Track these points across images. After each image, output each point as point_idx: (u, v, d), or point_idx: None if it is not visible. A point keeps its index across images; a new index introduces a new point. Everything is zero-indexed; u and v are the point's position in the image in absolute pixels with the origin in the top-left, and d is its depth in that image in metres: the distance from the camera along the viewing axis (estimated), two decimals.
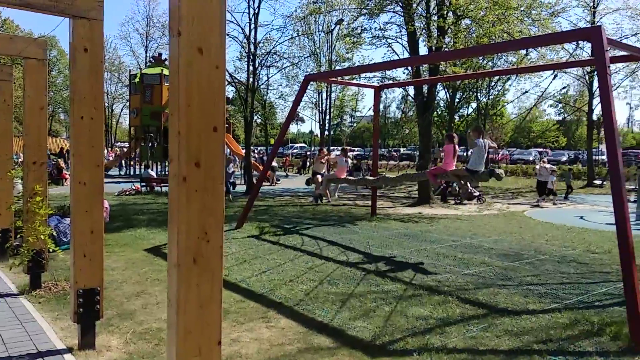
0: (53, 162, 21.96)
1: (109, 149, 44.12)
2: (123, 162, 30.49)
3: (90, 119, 4.21)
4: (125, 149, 34.72)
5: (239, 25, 19.28)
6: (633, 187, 17.53)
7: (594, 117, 27.13)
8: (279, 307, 5.42)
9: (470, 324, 5.00)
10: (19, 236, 6.58)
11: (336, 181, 11.62)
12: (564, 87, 32.80)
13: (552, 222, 12.52)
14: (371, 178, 10.99)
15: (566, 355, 4.28)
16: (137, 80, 27.05)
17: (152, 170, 24.38)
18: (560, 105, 45.77)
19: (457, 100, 27.63)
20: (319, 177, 12.08)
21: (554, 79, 8.43)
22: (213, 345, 2.69)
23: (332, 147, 38.16)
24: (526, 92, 19.49)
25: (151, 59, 33.79)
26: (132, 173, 27.88)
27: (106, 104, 46.48)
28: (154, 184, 18.45)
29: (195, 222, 2.57)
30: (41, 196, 5.91)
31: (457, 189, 17.73)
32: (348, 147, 13.88)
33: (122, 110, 49.37)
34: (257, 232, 10.14)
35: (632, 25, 27.51)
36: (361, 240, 9.51)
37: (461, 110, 32.85)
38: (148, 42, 45.28)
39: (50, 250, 6.06)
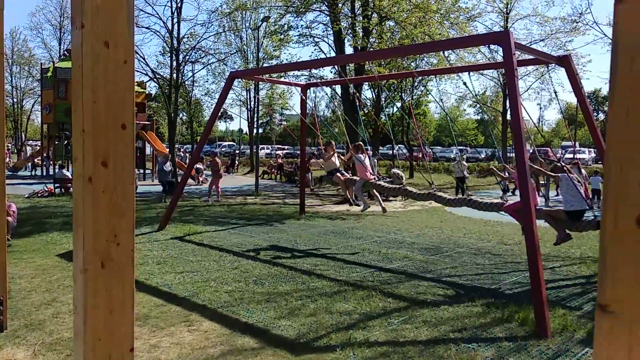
0: None
1: (19, 148, 41.03)
2: (36, 162, 28.45)
3: None
4: (37, 148, 32.44)
5: (160, 19, 18.58)
6: (542, 182, 18.87)
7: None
8: (202, 310, 5.29)
9: (391, 317, 5.14)
10: None
11: (367, 186, 9.11)
12: (470, 91, 34.67)
13: (470, 216, 13.19)
14: (416, 191, 8.50)
15: (479, 342, 4.52)
16: (49, 74, 25.33)
17: (67, 170, 22.94)
18: (478, 105, 48.37)
19: (383, 99, 28.41)
20: (340, 175, 9.39)
21: (466, 81, 8.79)
22: (125, 351, 2.56)
23: (261, 145, 37.84)
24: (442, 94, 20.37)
25: (65, 52, 31.72)
26: (44, 174, 26.08)
27: (15, 100, 43.08)
28: (69, 185, 17.36)
29: (103, 225, 2.43)
30: None
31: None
32: (361, 144, 9.64)
33: (33, 106, 45.98)
34: (181, 233, 9.84)
35: (541, 30, 29.62)
36: (289, 239, 9.51)
37: (387, 110, 33.83)
38: (62, 34, 42.48)
39: None
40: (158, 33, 19.64)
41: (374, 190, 9.48)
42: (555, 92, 42.24)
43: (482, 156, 42.60)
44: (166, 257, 7.77)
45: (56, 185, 17.32)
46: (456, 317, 5.17)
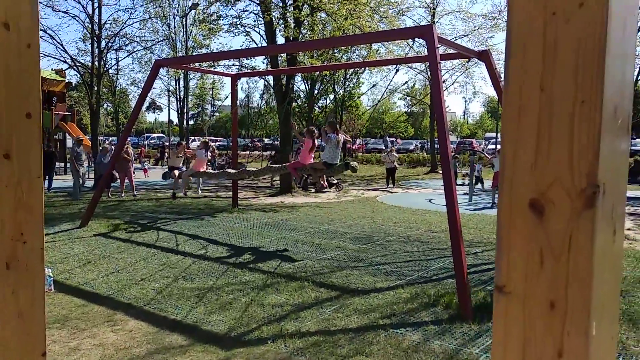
0: None
1: None
2: None
3: None
4: None
5: (79, 3, 17.50)
6: (467, 172, 19.81)
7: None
8: (127, 309, 5.08)
9: (323, 307, 5.19)
10: None
11: (196, 175, 11.12)
12: (406, 83, 35.72)
13: (400, 205, 13.59)
14: (233, 171, 10.66)
15: (406, 327, 4.67)
16: None
17: None
18: (408, 97, 49.85)
19: (316, 91, 28.55)
20: (176, 172, 11.38)
21: (396, 73, 9.06)
22: (36, 357, 2.39)
23: (193, 138, 36.88)
24: (374, 85, 20.81)
25: None
26: None
27: None
28: None
29: (7, 222, 2.24)
30: None
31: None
32: (208, 139, 13.12)
33: None
34: (106, 229, 9.39)
35: (465, 26, 30.93)
36: (221, 233, 9.35)
37: (320, 102, 34.07)
38: None
39: None
40: (77, 18, 18.57)
41: (199, 179, 12.55)
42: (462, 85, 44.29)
43: (412, 147, 44.02)
44: (88, 254, 7.39)
45: None
46: (385, 304, 5.30)
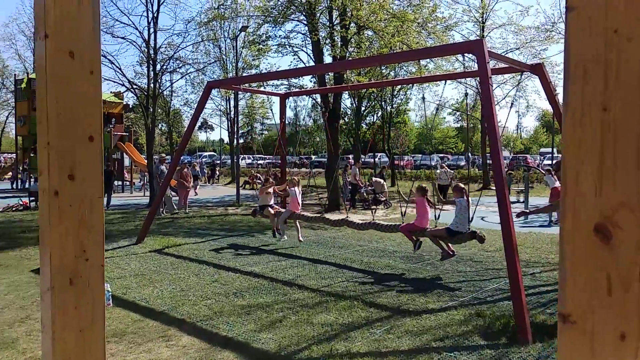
0: None
1: None
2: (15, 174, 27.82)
3: None
4: (11, 161, 31.77)
5: (136, 29, 18.46)
6: (522, 188, 19.14)
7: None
8: (181, 325, 5.19)
9: (373, 327, 5.11)
10: None
11: (293, 217, 9.88)
12: (463, 101, 35.14)
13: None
14: (333, 218, 9.53)
15: (461, 351, 4.51)
16: (24, 85, 24.91)
17: None
18: (458, 113, 49.04)
19: (363, 108, 28.59)
20: (270, 210, 10.13)
21: (445, 86, 8.86)
22: None
23: (243, 156, 37.66)
24: (423, 99, 20.58)
25: None
26: (19, 187, 25.54)
27: None
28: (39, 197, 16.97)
29: (70, 240, 2.35)
30: None
31: (365, 194, 18.22)
32: (296, 178, 11.05)
33: (7, 118, 45.10)
34: (160, 246, 9.69)
35: (516, 39, 30.21)
36: (270, 250, 9.43)
37: (368, 118, 34.04)
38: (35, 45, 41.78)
39: None
40: (134, 43, 19.50)
41: (296, 221, 10.02)
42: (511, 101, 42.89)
43: (463, 163, 43.08)
44: (144, 270, 7.63)
45: (31, 198, 16.94)
46: (438, 325, 5.16)
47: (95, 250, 2.45)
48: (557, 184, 13.43)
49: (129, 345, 4.61)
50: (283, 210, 10.13)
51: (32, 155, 24.59)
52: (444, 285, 6.82)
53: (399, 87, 29.78)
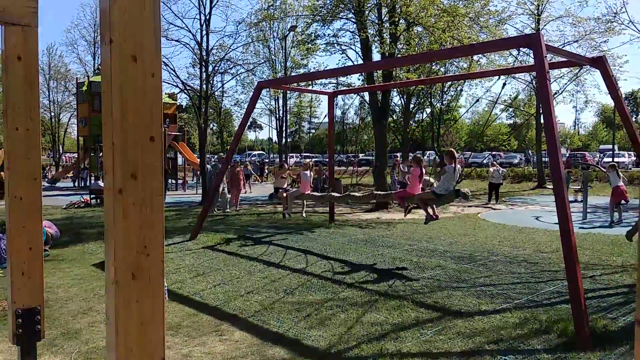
0: None
1: (56, 160, 42.43)
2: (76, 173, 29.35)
3: (26, 130, 3.99)
4: (74, 160, 33.51)
5: (189, 32, 19.01)
6: (580, 187, 18.32)
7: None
8: (233, 320, 5.31)
9: (424, 328, 5.04)
10: None
11: (301, 197, 11.02)
12: (516, 96, 34.01)
13: (505, 223, 12.89)
14: (337, 195, 10.53)
15: (516, 354, 4.38)
16: (84, 88, 26.20)
17: (102, 181, 23.56)
18: (511, 109, 47.47)
19: (412, 105, 28.17)
20: (283, 193, 11.22)
21: (503, 85, 8.58)
22: None
23: (291, 155, 38.06)
24: (477, 100, 19.99)
25: (99, 67, 32.68)
26: (81, 185, 26.89)
27: (52, 113, 44.61)
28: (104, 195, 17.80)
29: (133, 236, 2.45)
30: None
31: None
32: (310, 161, 12.92)
33: (69, 119, 47.59)
34: (213, 242, 9.95)
35: (574, 32, 28.85)
36: (319, 248, 9.49)
37: (416, 116, 33.53)
38: (95, 49, 43.83)
39: None
40: (187, 45, 20.06)
41: (304, 200, 11.29)
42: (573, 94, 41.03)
43: (516, 161, 41.69)
44: (198, 266, 7.86)
45: (92, 196, 17.80)
46: (491, 328, 5.02)
47: (156, 246, 2.55)
48: (621, 182, 12.75)
49: (184, 338, 4.76)
50: (293, 190, 11.31)
51: (92, 154, 25.85)
52: (497, 286, 6.64)
53: (449, 83, 29.15)
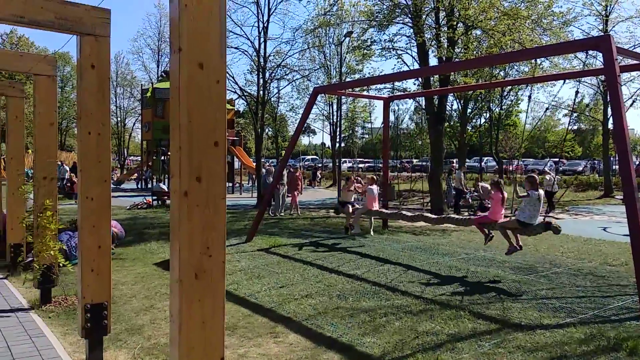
0: (66, 177, 22.23)
1: (121, 163, 44.58)
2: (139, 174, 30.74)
3: (98, 135, 4.24)
4: (137, 163, 35.11)
5: (248, 39, 19.44)
6: None
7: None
8: (288, 322, 5.36)
9: (482, 340, 4.89)
10: (32, 252, 6.64)
11: (369, 214, 10.49)
12: (581, 101, 32.49)
13: (568, 233, 12.29)
14: (409, 213, 9.74)
15: None
16: (149, 94, 27.40)
17: (163, 184, 24.56)
18: (575, 114, 45.34)
19: (469, 110, 27.52)
20: (349, 207, 10.79)
21: (576, 93, 8.16)
22: None
23: (344, 160, 38.04)
24: (547, 109, 19.29)
25: (162, 74, 34.20)
26: (143, 186, 28.10)
27: (119, 119, 47.01)
28: (165, 197, 18.56)
29: (197, 237, 2.55)
30: (51, 211, 5.95)
31: (470, 200, 17.51)
32: (376, 176, 12.02)
33: (134, 124, 49.99)
34: (267, 245, 10.11)
35: None
36: (372, 254, 9.42)
37: (473, 121, 32.69)
38: (159, 56, 45.90)
39: (61, 264, 6.10)
40: (246, 52, 20.57)
41: (371, 217, 10.86)
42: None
43: (580, 168, 39.75)
44: (253, 268, 8.01)
45: (154, 197, 18.57)
46: (554, 343, 4.80)
47: (218, 247, 2.63)
48: None
49: (240, 339, 4.86)
50: (360, 207, 10.81)
51: (154, 158, 26.97)
52: (560, 299, 6.33)
53: (509, 87, 28.24)
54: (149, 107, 27.29)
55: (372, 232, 10.66)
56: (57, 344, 4.71)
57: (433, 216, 9.39)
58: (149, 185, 27.35)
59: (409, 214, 9.75)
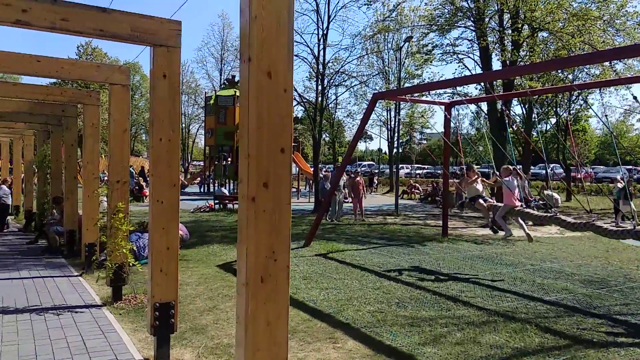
0: (135, 180, 23.37)
1: (185, 167, 46.36)
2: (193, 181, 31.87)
3: (168, 141, 4.44)
4: (200, 168, 36.36)
5: (308, 47, 19.68)
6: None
7: None
8: (346, 328, 5.36)
9: (550, 355, 4.67)
10: (104, 251, 7.04)
11: (513, 213, 8.47)
12: None
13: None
14: (571, 219, 7.62)
15: None
16: (212, 102, 28.33)
17: (225, 188, 25.28)
18: None
19: (534, 115, 26.42)
20: (482, 202, 8.94)
21: None
22: None
23: (402, 165, 37.61)
24: (627, 112, 18.23)
25: (225, 81, 35.27)
26: (205, 191, 29.05)
27: (183, 125, 48.95)
28: (227, 201, 19.09)
29: (263, 242, 2.61)
30: (123, 213, 6.28)
31: (536, 209, 16.74)
32: (510, 167, 9.21)
33: (197, 130, 51.92)
34: (325, 250, 10.16)
35: None
36: (431, 262, 9.25)
37: (539, 126, 31.34)
38: (222, 65, 47.47)
39: (131, 264, 6.42)
40: (305, 60, 20.82)
41: (518, 218, 8.75)
42: None
43: None
44: (311, 273, 8.07)
45: (216, 201, 19.15)
46: None
47: (283, 252, 2.68)
48: None
49: (300, 343, 4.91)
50: (499, 204, 8.82)
51: (216, 163, 27.84)
52: (636, 316, 5.94)
53: (578, 91, 26.88)
54: (212, 114, 28.22)
55: (527, 231, 8.47)
56: (127, 340, 4.96)
57: (608, 226, 7.39)
58: (211, 190, 28.22)
59: (571, 219, 7.66)
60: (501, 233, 9.17)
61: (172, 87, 4.45)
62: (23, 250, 10.24)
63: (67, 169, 9.94)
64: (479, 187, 9.16)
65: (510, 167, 9.24)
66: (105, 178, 15.39)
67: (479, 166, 44.05)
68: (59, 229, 10.08)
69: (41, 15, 3.94)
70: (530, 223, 8.07)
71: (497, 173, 9.30)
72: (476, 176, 9.22)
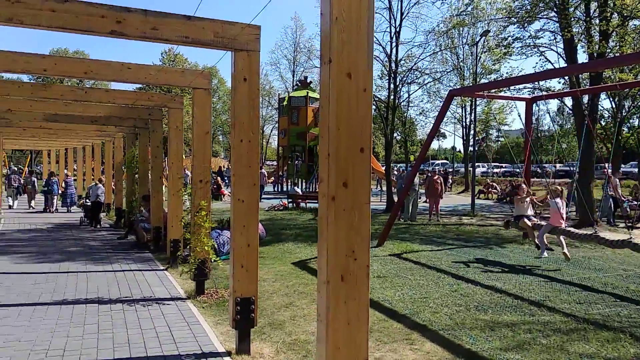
0: (213, 180, 24.40)
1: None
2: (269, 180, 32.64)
3: (248, 142, 4.60)
4: (274, 167, 37.27)
5: (380, 45, 19.54)
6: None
7: None
8: (423, 330, 5.27)
9: None
10: (188, 247, 7.42)
11: (555, 232, 8.76)
12: None
13: None
14: (612, 237, 7.81)
15: None
16: (285, 103, 28.94)
17: (297, 187, 25.72)
18: None
19: (625, 109, 24.53)
20: (527, 221, 9.34)
21: None
22: None
23: (478, 164, 36.34)
24: None
25: (297, 83, 35.88)
26: (279, 190, 29.72)
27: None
28: (300, 200, 19.41)
29: (342, 240, 2.63)
30: (205, 211, 6.58)
31: (628, 210, 15.52)
32: (559, 188, 9.68)
33: (271, 131, 53.25)
34: (399, 250, 10.05)
35: None
36: (512, 265, 8.86)
37: (631, 121, 29.04)
38: (295, 66, 48.32)
39: (212, 260, 6.72)
40: (377, 58, 20.67)
41: (560, 236, 8.86)
42: None
43: None
44: (386, 273, 8.02)
45: (289, 200, 19.54)
46: None
47: (362, 251, 2.69)
48: None
49: (376, 343, 4.90)
50: (543, 223, 9.30)
51: (289, 162, 28.42)
52: None
53: None
54: (285, 114, 28.82)
55: (565, 250, 8.59)
56: (210, 332, 5.20)
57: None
58: (284, 188, 28.83)
59: (611, 237, 7.84)
60: (543, 254, 9.22)
61: (252, 90, 4.60)
62: (115, 245, 11.04)
63: (153, 169, 10.57)
64: (527, 206, 9.57)
65: (558, 187, 9.74)
66: (188, 178, 16.17)
67: (561, 164, 41.63)
68: (146, 226, 10.76)
69: (134, 25, 4.22)
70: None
71: (561, 189, 9.68)
72: (525, 194, 9.57)
